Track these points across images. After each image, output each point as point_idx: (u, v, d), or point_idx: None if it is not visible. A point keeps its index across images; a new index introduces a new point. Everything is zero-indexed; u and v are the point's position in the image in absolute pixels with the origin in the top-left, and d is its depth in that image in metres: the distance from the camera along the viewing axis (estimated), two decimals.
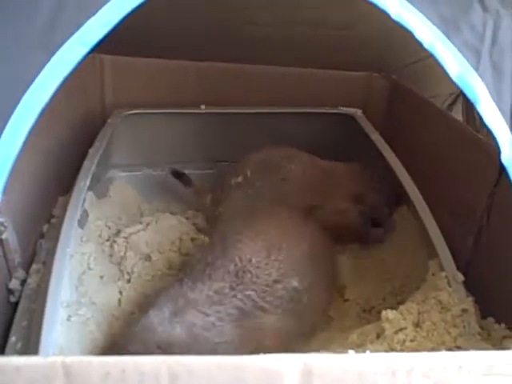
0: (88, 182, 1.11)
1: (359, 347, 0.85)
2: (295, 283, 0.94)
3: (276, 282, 0.92)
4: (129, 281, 1.12)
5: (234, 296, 0.89)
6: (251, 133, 1.42)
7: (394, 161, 1.19)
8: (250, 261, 0.93)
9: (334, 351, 0.84)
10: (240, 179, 1.27)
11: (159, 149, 1.42)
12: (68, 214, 1.03)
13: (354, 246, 1.19)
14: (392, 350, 0.79)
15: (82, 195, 1.09)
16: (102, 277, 1.10)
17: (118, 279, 1.11)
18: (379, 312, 0.93)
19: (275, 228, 1.00)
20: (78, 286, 1.04)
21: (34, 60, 0.66)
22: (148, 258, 1.16)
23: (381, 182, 1.23)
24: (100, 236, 1.19)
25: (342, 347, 0.87)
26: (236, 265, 0.92)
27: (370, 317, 1.04)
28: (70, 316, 0.96)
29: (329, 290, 1.04)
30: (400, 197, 1.17)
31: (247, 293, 0.89)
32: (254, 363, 0.55)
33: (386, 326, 0.83)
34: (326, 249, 1.06)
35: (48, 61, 0.66)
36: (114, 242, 1.18)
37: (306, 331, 0.95)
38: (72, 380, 0.54)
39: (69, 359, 0.54)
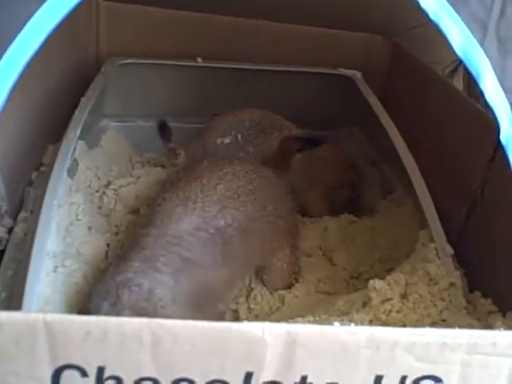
0: (79, 131, 1.09)
1: (345, 315, 0.85)
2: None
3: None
4: (117, 234, 1.11)
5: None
6: (247, 89, 1.39)
7: (390, 126, 1.18)
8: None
9: (320, 317, 0.84)
10: (228, 140, 1.24)
11: (153, 100, 1.39)
12: (57, 162, 1.01)
13: (344, 216, 1.18)
14: (377, 319, 0.79)
15: (72, 144, 1.07)
16: (89, 228, 1.09)
17: (106, 231, 1.10)
18: (367, 279, 0.93)
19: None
20: (65, 236, 1.03)
21: (25, 8, 0.63)
22: (137, 211, 1.15)
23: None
24: (89, 187, 1.17)
25: (327, 313, 0.87)
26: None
27: (358, 283, 1.05)
28: (56, 267, 0.95)
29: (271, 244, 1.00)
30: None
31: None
32: (238, 329, 0.55)
33: (373, 295, 0.83)
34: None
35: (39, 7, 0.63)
36: (104, 193, 1.16)
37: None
38: (53, 337, 0.54)
39: (50, 316, 0.53)
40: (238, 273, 0.94)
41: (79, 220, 1.07)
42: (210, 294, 0.88)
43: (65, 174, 1.02)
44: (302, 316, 0.88)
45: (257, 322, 0.54)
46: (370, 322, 0.79)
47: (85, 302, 0.94)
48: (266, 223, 0.95)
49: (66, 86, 1.25)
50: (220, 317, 0.91)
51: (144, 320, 0.53)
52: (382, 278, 0.87)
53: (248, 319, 0.97)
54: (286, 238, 1.02)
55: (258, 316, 0.98)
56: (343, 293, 1.01)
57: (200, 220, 0.89)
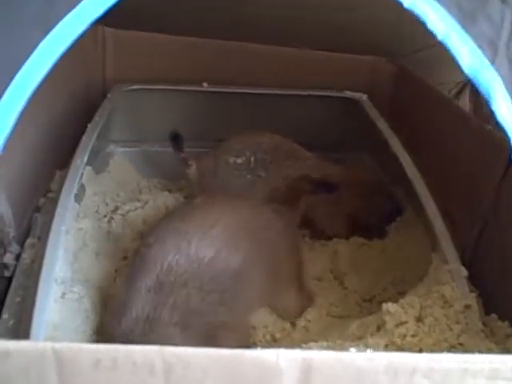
0: (86, 157, 1.08)
1: (359, 339, 0.83)
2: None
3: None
4: (125, 258, 1.10)
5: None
6: (253, 113, 1.39)
7: (398, 148, 1.17)
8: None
9: (334, 342, 0.83)
10: (241, 160, 1.23)
11: (159, 125, 1.39)
12: (65, 188, 1.00)
13: (354, 239, 1.17)
14: (393, 344, 0.77)
15: (79, 170, 1.06)
16: (97, 254, 1.08)
17: (114, 256, 1.08)
18: (379, 302, 0.92)
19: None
20: (73, 262, 1.01)
21: (30, 38, 0.63)
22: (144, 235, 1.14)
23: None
24: (97, 212, 1.17)
25: (341, 338, 0.85)
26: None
27: (371, 306, 1.03)
28: (64, 293, 0.93)
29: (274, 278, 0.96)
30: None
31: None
32: (252, 356, 0.53)
33: (387, 318, 0.81)
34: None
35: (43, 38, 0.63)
36: (112, 218, 1.16)
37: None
38: (63, 366, 0.52)
39: (59, 345, 0.52)
40: (247, 315, 0.93)
41: (87, 246, 1.06)
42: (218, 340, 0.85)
43: (72, 200, 1.01)
44: (315, 341, 0.86)
45: (271, 349, 0.53)
46: (386, 347, 0.77)
47: (93, 329, 0.93)
48: (266, 266, 0.91)
49: (72, 113, 1.25)
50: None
51: (155, 348, 0.52)
52: (395, 301, 0.85)
53: (260, 344, 0.95)
54: (291, 276, 0.99)
55: (270, 341, 0.96)
56: (356, 316, 0.99)
57: (194, 266, 0.84)
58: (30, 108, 0.68)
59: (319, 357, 0.53)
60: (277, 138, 1.24)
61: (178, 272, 0.84)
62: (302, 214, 1.09)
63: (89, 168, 1.14)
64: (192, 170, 1.22)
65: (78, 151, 1.06)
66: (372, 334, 0.81)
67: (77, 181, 1.03)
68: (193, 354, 0.52)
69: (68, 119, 1.22)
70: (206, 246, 0.85)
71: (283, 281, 0.98)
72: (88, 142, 1.09)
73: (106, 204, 1.19)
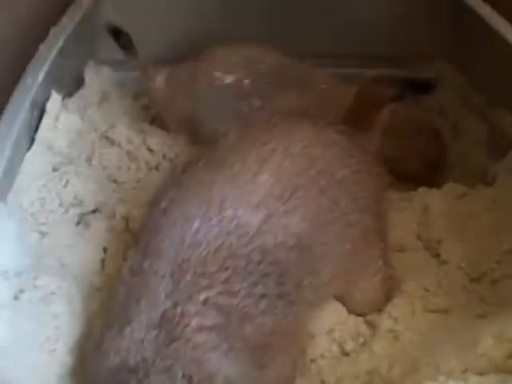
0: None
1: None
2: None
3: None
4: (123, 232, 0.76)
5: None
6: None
7: None
8: None
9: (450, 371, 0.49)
10: (230, 79, 0.86)
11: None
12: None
13: (450, 186, 0.80)
14: None
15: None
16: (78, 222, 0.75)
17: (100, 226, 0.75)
18: (493, 282, 0.66)
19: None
20: (39, 238, 0.70)
21: None
22: None
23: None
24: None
25: (456, 358, 0.52)
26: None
27: (481, 288, 0.69)
28: (19, 291, 0.63)
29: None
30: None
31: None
32: None
33: None
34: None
35: None
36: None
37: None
38: None
39: None
40: (308, 312, 0.59)
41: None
42: (272, 349, 0.55)
43: None
44: (413, 359, 0.53)
45: None
46: None
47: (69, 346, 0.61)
48: (342, 228, 0.59)
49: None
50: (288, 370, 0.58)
51: None
52: None
53: (323, 361, 0.62)
54: (376, 243, 0.65)
55: (338, 356, 0.62)
56: (464, 308, 0.65)
57: (233, 240, 0.53)
58: None
59: None
60: (282, 59, 0.89)
61: (208, 250, 0.53)
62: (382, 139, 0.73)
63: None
64: (158, 83, 0.88)
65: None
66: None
67: None
68: None
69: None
70: (251, 206, 0.54)
71: (365, 255, 0.64)
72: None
73: None
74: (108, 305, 0.59)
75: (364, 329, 0.65)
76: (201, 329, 0.51)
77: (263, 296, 0.53)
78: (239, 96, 0.85)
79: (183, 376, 0.50)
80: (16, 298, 0.62)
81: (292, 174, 0.57)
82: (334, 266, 0.58)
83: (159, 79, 0.87)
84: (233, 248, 0.53)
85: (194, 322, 0.51)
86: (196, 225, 0.54)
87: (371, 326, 0.65)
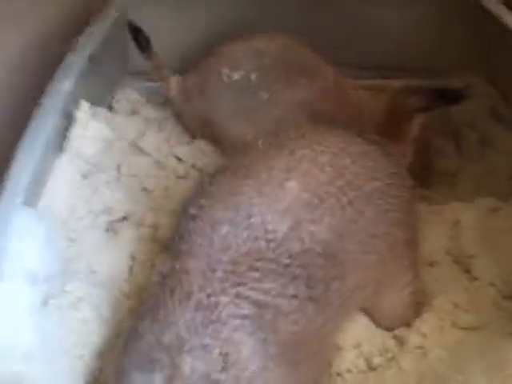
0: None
1: None
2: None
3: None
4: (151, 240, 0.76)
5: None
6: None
7: None
8: None
9: None
10: (238, 75, 0.84)
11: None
12: None
13: (483, 200, 0.78)
14: None
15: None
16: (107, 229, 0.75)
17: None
18: None
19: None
20: (69, 243, 0.71)
21: None
22: None
23: None
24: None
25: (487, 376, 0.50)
26: None
27: None
28: (47, 298, 0.63)
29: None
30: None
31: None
32: None
33: None
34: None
35: None
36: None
37: None
38: None
39: None
40: (336, 318, 0.58)
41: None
42: (302, 350, 0.54)
43: None
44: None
45: None
46: None
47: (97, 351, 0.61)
48: (368, 239, 0.58)
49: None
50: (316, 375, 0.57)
51: None
52: None
53: (351, 372, 0.61)
54: (406, 256, 0.63)
55: (365, 370, 0.61)
56: (495, 325, 0.64)
57: (262, 244, 0.53)
58: None
59: None
60: (287, 45, 0.86)
61: (238, 253, 0.54)
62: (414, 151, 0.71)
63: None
64: (172, 91, 0.88)
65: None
66: None
67: None
68: None
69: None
70: (278, 212, 0.54)
71: (394, 267, 0.62)
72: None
73: None
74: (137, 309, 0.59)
75: (392, 344, 0.63)
76: (235, 316, 0.51)
77: (294, 297, 0.52)
78: (247, 91, 0.84)
79: (220, 354, 0.50)
80: (44, 303, 0.62)
81: (319, 183, 0.56)
82: (359, 275, 0.57)
83: (173, 87, 0.87)
84: (262, 252, 0.53)
85: (228, 310, 0.51)
86: (225, 230, 0.54)
87: (399, 341, 0.64)
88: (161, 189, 0.82)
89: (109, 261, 0.72)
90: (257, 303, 0.51)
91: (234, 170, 0.60)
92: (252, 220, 0.54)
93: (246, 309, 0.51)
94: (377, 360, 0.62)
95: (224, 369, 0.49)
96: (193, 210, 0.57)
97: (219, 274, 0.52)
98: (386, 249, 0.60)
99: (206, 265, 0.53)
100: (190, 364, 0.49)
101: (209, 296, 0.52)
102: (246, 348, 0.50)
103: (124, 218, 0.77)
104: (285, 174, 0.56)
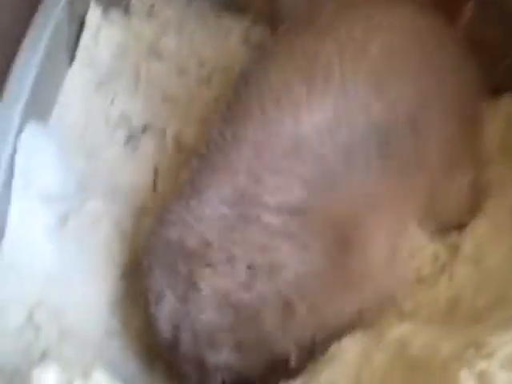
0: None
1: None
2: None
3: None
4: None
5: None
6: None
7: None
8: None
9: None
10: None
11: None
12: None
13: None
14: None
15: None
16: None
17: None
18: None
19: None
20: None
21: None
22: None
23: None
24: None
25: None
26: None
27: None
28: (66, 217, 0.58)
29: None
30: None
31: None
32: None
33: None
34: None
35: None
36: None
37: None
38: None
39: None
40: (407, 201, 0.52)
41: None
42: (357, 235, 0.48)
43: None
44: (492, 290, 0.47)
45: None
46: None
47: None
48: (447, 111, 0.53)
49: None
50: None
51: None
52: None
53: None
54: (470, 140, 0.58)
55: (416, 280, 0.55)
56: None
57: (342, 105, 0.48)
58: None
59: None
60: None
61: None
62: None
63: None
64: None
65: None
66: None
67: None
68: None
69: None
70: (361, 74, 0.50)
71: (460, 149, 0.57)
72: None
73: None
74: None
75: (443, 252, 0.57)
76: (279, 209, 0.45)
77: (362, 162, 0.48)
78: None
79: (246, 268, 0.45)
80: (62, 223, 0.58)
81: (400, 48, 0.52)
82: (438, 151, 0.53)
83: None
84: (337, 116, 0.48)
85: (273, 200, 0.45)
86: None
87: (451, 249, 0.57)
88: (183, 95, 0.75)
89: (130, 176, 0.66)
90: (310, 184, 0.46)
91: (305, 28, 0.54)
92: (329, 85, 0.48)
93: (296, 194, 0.46)
94: (427, 270, 0.56)
95: (248, 286, 0.44)
96: (251, 77, 0.52)
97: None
98: (457, 125, 0.55)
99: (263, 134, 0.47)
100: (209, 281, 0.44)
101: (257, 181, 0.46)
102: (280, 255, 0.45)
103: (144, 130, 0.71)
104: (364, 36, 0.51)
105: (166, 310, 0.46)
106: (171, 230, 0.47)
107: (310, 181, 0.46)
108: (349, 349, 0.41)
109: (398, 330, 0.42)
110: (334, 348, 0.43)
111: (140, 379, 0.51)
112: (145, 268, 0.49)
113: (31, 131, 0.58)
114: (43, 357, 0.47)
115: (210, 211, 0.46)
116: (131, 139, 0.70)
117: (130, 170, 0.67)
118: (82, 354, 0.49)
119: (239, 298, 0.44)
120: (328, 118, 0.48)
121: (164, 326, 0.46)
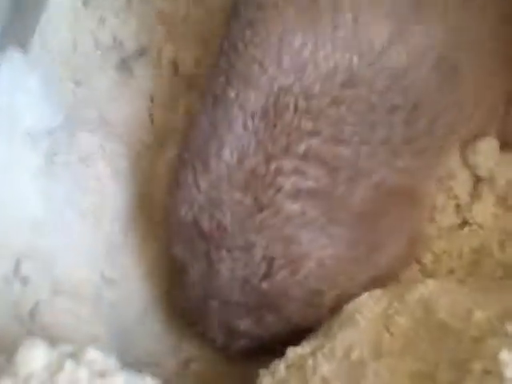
0: None
1: None
2: None
3: None
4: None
5: None
6: None
7: None
8: None
9: None
10: None
11: None
12: None
13: None
14: None
15: None
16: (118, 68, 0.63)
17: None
18: None
19: None
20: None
21: None
22: None
23: None
24: None
25: None
26: None
27: None
28: (54, 153, 0.53)
29: None
30: None
31: None
32: None
33: None
34: None
35: None
36: None
37: None
38: None
39: None
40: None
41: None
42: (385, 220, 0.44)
43: None
44: None
45: None
46: None
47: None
48: (488, 50, 0.46)
49: None
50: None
51: None
52: None
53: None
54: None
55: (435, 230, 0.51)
56: None
57: (353, 59, 0.41)
58: None
59: None
60: None
61: (316, 75, 0.42)
62: None
63: None
64: None
65: None
66: None
67: None
68: None
69: None
70: (379, 14, 0.42)
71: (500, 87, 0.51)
72: None
73: None
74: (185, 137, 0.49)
75: (466, 196, 0.52)
76: (296, 194, 0.41)
77: (384, 142, 0.41)
78: None
79: (263, 258, 0.41)
80: (49, 161, 0.53)
81: None
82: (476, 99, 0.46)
83: None
84: (352, 70, 0.40)
85: (289, 185, 0.41)
86: (299, 40, 0.42)
87: (473, 193, 0.52)
88: (179, 15, 0.68)
89: (124, 106, 0.61)
90: (329, 164, 0.41)
91: None
92: (339, 26, 0.41)
93: (313, 178, 0.41)
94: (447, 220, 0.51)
95: (267, 275, 0.40)
96: (250, 13, 0.45)
97: (287, 116, 0.41)
98: (499, 68, 0.49)
99: (270, 98, 0.41)
100: (228, 265, 0.40)
101: (268, 160, 0.41)
102: (300, 246, 0.41)
103: (138, 53, 0.65)
104: None
105: (192, 280, 0.44)
106: (184, 210, 0.43)
107: (329, 167, 0.41)
108: (367, 310, 0.38)
109: (420, 289, 0.38)
110: (350, 307, 0.39)
111: (138, 332, 0.48)
112: (166, 240, 0.47)
113: (10, 62, 0.51)
114: (32, 314, 0.43)
115: (222, 194, 0.42)
116: (124, 64, 0.64)
117: (124, 98, 0.61)
118: (76, 307, 0.45)
119: (258, 285, 0.41)
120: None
121: (192, 293, 0.44)
